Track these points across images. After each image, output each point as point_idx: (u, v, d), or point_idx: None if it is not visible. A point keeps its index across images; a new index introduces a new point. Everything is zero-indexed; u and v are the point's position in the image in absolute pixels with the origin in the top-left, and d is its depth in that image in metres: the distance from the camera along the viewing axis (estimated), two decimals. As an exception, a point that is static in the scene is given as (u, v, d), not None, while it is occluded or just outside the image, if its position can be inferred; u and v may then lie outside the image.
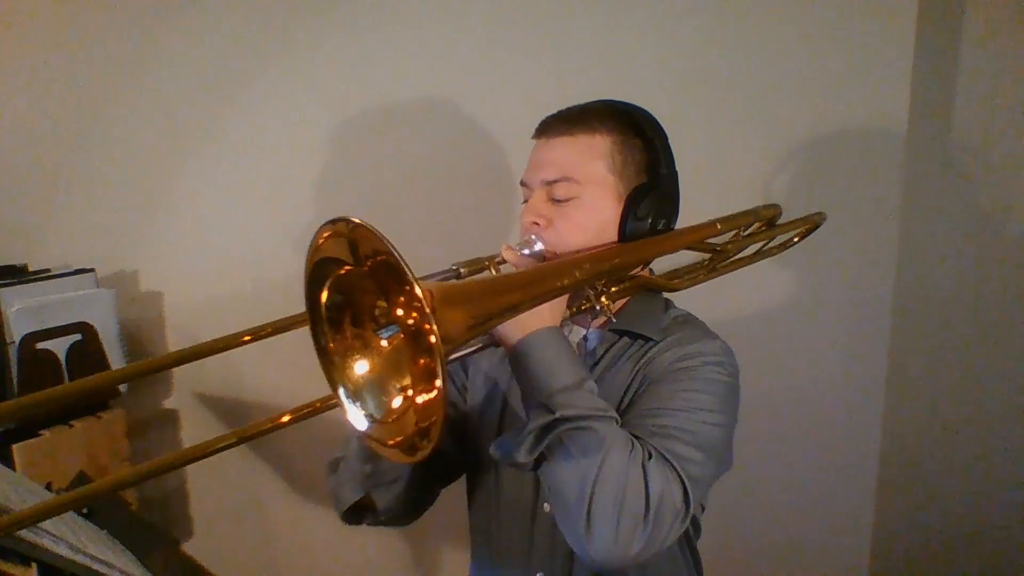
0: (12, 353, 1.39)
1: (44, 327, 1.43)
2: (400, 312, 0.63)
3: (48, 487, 0.92)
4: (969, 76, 1.55)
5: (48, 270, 1.56)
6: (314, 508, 1.82)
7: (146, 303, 1.73)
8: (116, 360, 1.55)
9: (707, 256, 1.03)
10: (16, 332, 1.39)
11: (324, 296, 0.65)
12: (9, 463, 1.34)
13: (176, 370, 1.79)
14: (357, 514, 0.95)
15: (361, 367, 0.66)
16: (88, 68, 1.63)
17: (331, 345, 0.66)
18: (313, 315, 0.66)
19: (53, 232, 1.68)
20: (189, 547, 1.83)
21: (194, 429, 1.79)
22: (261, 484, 1.83)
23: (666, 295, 1.00)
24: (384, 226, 0.58)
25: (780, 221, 1.13)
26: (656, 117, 0.94)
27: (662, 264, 1.02)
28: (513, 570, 0.97)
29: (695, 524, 0.98)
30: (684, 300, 1.01)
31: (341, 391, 0.65)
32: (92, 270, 1.56)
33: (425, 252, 0.84)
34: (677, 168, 0.94)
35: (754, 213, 1.06)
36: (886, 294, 1.60)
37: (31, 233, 1.67)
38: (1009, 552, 1.63)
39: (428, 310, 0.56)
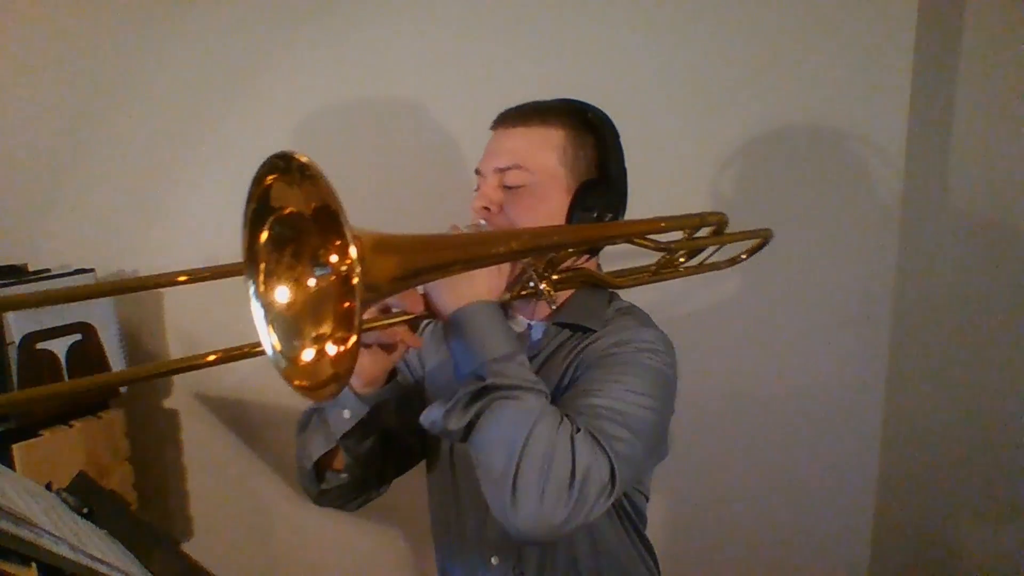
0: (12, 353, 1.39)
1: (44, 327, 1.43)
2: (335, 257, 0.63)
3: (48, 487, 0.92)
4: (969, 77, 1.55)
5: (48, 270, 1.56)
6: (314, 508, 1.81)
7: (146, 303, 1.73)
8: (116, 360, 1.55)
9: (653, 261, 1.04)
10: (16, 332, 1.39)
11: (264, 232, 0.66)
12: (9, 463, 1.34)
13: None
14: (319, 476, 0.97)
15: (289, 299, 0.67)
16: (88, 69, 1.63)
17: (262, 265, 0.67)
18: (250, 250, 0.67)
19: (53, 232, 1.68)
20: (189, 547, 1.83)
21: (194, 429, 1.79)
22: (261, 484, 1.83)
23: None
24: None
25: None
26: (610, 116, 0.96)
27: (614, 264, 1.02)
28: (470, 555, 0.99)
29: (640, 514, 0.99)
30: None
31: (262, 321, 0.66)
32: (92, 270, 1.56)
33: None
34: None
35: (700, 217, 1.06)
36: (886, 294, 1.60)
37: (31, 233, 1.66)
38: (1010, 553, 1.63)
39: (355, 255, 0.57)
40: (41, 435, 1.42)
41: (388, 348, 0.86)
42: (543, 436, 0.73)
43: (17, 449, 1.37)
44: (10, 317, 1.39)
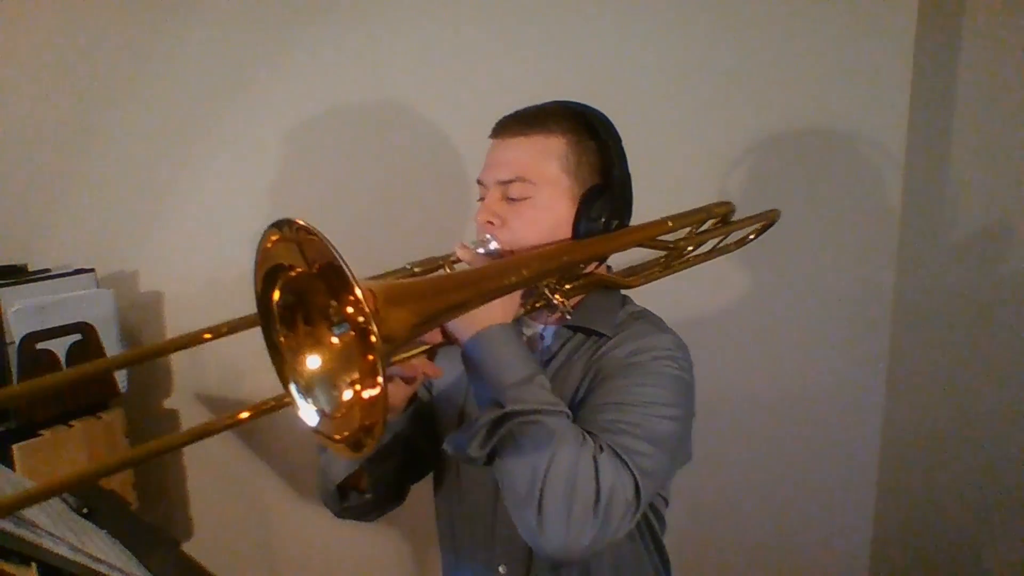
0: (12, 353, 1.39)
1: (44, 327, 1.43)
2: (350, 311, 0.63)
3: (48, 487, 0.92)
4: (969, 77, 1.55)
5: (48, 270, 1.56)
6: (314, 508, 1.82)
7: (146, 303, 1.73)
8: (116, 360, 1.55)
9: (662, 254, 1.03)
10: (16, 332, 1.39)
11: (276, 296, 0.65)
12: (9, 463, 1.34)
13: (176, 370, 1.79)
14: (343, 494, 0.97)
15: (313, 362, 0.66)
16: (88, 69, 1.63)
17: (283, 340, 0.66)
18: (264, 314, 0.66)
19: (53, 232, 1.68)
20: (189, 547, 1.83)
21: (194, 429, 1.80)
22: (261, 484, 1.83)
23: (625, 291, 1.00)
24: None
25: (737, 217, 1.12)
26: (610, 119, 0.94)
27: (621, 264, 1.02)
28: (477, 564, 0.98)
29: (660, 518, 0.99)
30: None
31: (293, 387, 0.66)
32: (92, 270, 1.56)
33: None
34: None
35: (707, 210, 1.06)
36: (886, 294, 1.60)
37: (31, 233, 1.67)
38: (1009, 553, 1.64)
39: (369, 310, 0.56)
40: (41, 435, 1.43)
41: (408, 379, 0.86)
42: (565, 459, 0.72)
43: (17, 449, 1.37)
44: (10, 317, 1.39)
